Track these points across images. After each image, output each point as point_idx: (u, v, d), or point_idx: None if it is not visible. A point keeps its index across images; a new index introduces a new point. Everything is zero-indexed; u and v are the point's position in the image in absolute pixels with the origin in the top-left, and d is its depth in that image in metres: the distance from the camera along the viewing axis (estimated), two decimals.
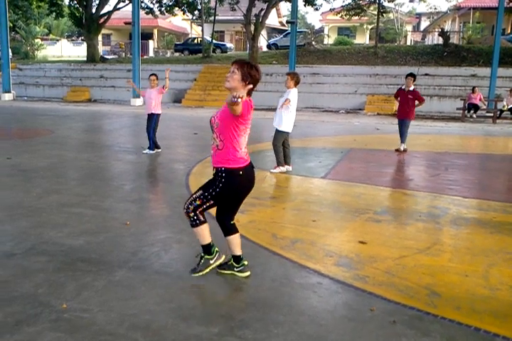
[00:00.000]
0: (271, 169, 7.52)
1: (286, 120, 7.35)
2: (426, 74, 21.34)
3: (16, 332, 2.77)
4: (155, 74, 9.18)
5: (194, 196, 3.53)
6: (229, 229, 3.64)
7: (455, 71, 21.84)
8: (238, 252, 3.67)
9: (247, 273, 3.67)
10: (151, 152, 9.12)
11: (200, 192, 3.52)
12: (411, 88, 9.67)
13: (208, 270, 3.66)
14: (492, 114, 17.30)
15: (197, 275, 3.62)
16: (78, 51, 41.54)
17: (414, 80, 9.67)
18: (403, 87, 9.86)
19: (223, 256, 3.75)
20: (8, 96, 24.17)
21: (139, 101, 22.21)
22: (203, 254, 3.69)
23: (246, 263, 3.69)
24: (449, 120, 17.16)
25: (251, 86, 3.30)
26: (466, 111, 17.44)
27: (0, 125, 14.22)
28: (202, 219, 3.57)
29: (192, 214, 3.53)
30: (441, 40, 28.38)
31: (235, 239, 3.66)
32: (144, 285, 3.43)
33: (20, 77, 27.48)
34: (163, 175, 7.62)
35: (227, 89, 3.44)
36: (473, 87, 17.69)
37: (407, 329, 2.93)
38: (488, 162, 9.54)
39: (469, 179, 7.64)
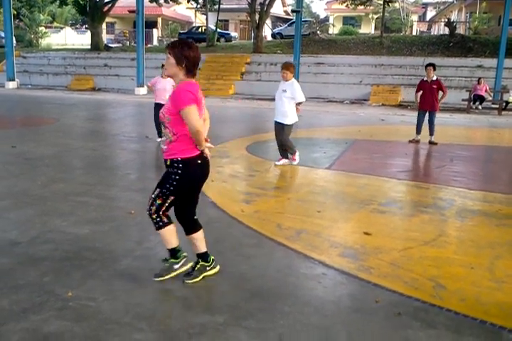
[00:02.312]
0: (275, 161, 7.39)
1: (291, 113, 7.17)
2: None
3: (22, 320, 2.78)
4: None
5: (153, 196, 3.28)
6: (193, 225, 3.40)
7: (461, 62, 21.66)
8: (205, 248, 3.44)
9: (217, 269, 3.49)
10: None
11: (158, 190, 3.27)
12: (434, 78, 9.62)
13: (171, 275, 3.38)
14: (498, 106, 17.16)
15: (158, 280, 3.35)
16: (82, 39, 41.38)
17: (434, 69, 9.61)
18: (425, 79, 9.81)
19: (190, 263, 3.46)
20: (12, 85, 24.13)
21: (143, 90, 22.13)
22: (168, 258, 3.45)
23: (213, 257, 3.49)
24: (455, 111, 17.05)
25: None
26: (471, 103, 17.31)
27: (4, 113, 14.21)
28: (165, 220, 3.31)
29: (155, 216, 3.29)
30: (447, 31, 28.17)
31: (200, 235, 3.41)
32: (149, 275, 3.43)
33: (24, 65, 27.40)
34: None
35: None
36: (479, 78, 17.54)
37: (413, 321, 2.93)
38: (493, 154, 9.50)
39: (475, 171, 7.61)
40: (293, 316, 2.96)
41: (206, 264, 3.45)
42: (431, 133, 9.71)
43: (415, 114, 10.32)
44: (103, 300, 3.06)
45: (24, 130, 10.72)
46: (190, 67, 3.15)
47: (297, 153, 7.39)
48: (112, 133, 10.63)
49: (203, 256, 3.44)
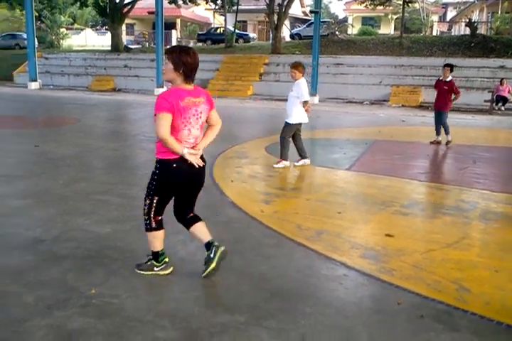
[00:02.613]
0: (295, 162, 7.35)
1: (296, 112, 7.05)
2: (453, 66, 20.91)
3: (47, 316, 2.82)
4: None
5: (144, 196, 3.35)
6: (189, 221, 3.45)
7: (483, 62, 21.36)
8: (209, 237, 3.43)
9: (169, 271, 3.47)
10: None
11: (146, 190, 3.33)
12: (447, 79, 9.50)
13: (149, 273, 3.41)
14: None
15: (138, 272, 3.42)
16: (102, 40, 41.86)
17: (451, 71, 9.49)
18: (441, 78, 9.71)
19: (171, 268, 3.46)
20: (34, 85, 24.50)
21: (162, 91, 22.29)
22: (151, 257, 3.45)
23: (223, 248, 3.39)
24: (477, 112, 16.82)
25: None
26: (494, 104, 17.06)
27: (27, 114, 14.43)
28: (154, 225, 3.33)
29: (146, 218, 3.34)
30: (468, 31, 27.78)
31: (200, 227, 3.45)
32: (170, 273, 3.45)
33: (46, 66, 27.80)
34: None
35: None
36: (502, 79, 17.28)
37: (436, 324, 2.89)
38: None
39: (498, 173, 7.49)
40: (314, 317, 2.94)
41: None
42: (445, 133, 9.60)
43: None
44: (126, 297, 3.08)
45: (46, 130, 10.87)
46: (188, 73, 3.16)
47: (285, 163, 7.18)
48: (132, 134, 10.72)
49: (208, 245, 3.40)
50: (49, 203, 5.11)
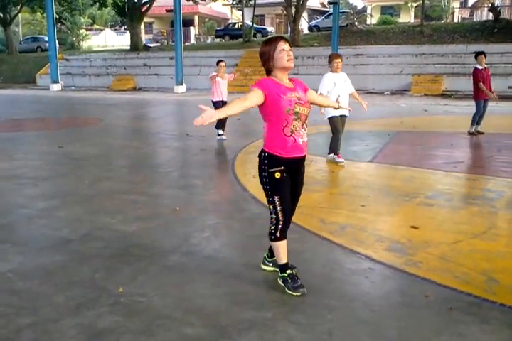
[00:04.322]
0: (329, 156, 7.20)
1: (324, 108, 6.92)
2: (474, 53, 20.50)
3: (77, 315, 2.87)
4: (224, 60, 9.20)
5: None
6: None
7: (506, 48, 20.87)
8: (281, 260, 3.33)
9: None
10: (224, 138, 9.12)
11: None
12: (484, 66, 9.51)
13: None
14: None
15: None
16: (122, 40, 42.26)
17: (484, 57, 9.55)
18: (479, 67, 9.65)
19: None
20: (56, 87, 24.91)
21: (181, 89, 22.41)
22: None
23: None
24: (501, 99, 16.45)
25: None
26: None
27: (51, 115, 14.68)
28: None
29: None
30: (491, 16, 27.17)
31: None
32: (196, 270, 3.48)
33: (67, 67, 28.24)
34: (209, 161, 7.68)
35: (289, 69, 3.15)
36: None
37: (465, 316, 2.86)
38: None
39: None
40: (341, 311, 2.94)
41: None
42: (479, 122, 9.46)
43: (459, 103, 10.06)
44: (153, 295, 3.12)
45: (70, 131, 11.04)
46: None
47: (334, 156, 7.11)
48: (153, 132, 10.82)
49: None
50: (75, 203, 5.20)
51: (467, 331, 2.72)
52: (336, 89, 6.72)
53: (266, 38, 32.91)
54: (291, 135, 3.06)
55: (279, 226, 3.18)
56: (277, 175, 3.11)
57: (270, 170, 3.12)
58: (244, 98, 3.01)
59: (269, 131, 3.12)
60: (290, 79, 3.20)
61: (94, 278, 3.38)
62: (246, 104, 3.01)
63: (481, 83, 9.41)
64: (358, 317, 2.88)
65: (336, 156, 7.05)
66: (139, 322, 2.80)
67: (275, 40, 3.15)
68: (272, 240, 3.23)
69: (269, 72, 3.19)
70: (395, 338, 2.67)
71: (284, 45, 3.11)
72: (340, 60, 6.84)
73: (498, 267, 3.51)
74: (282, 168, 3.11)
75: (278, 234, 3.20)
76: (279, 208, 3.16)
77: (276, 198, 3.15)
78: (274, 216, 3.19)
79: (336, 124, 6.94)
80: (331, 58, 6.89)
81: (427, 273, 3.43)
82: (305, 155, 3.22)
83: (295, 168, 3.20)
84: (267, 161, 3.14)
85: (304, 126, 3.14)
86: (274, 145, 3.11)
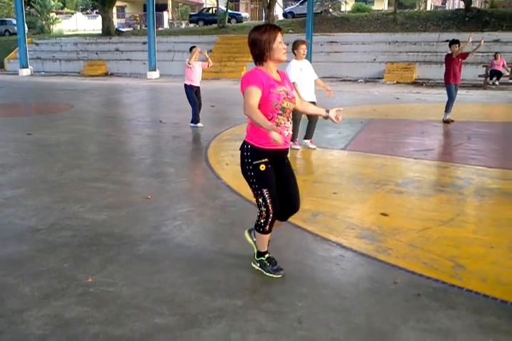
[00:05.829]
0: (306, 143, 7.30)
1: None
2: (446, 41, 20.72)
3: (44, 306, 2.82)
4: (197, 47, 9.12)
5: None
6: None
7: (477, 36, 20.97)
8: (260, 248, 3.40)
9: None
10: (199, 125, 9.08)
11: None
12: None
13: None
14: None
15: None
16: (93, 24, 41.29)
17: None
18: (451, 53, 9.78)
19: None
20: (25, 72, 24.27)
21: (155, 74, 22.10)
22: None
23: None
24: (471, 88, 16.72)
25: None
26: (488, 78, 16.97)
27: (19, 100, 14.31)
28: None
29: None
30: (462, 5, 27.47)
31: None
32: (167, 259, 3.46)
33: (37, 52, 27.51)
34: (182, 148, 7.61)
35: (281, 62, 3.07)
36: (496, 53, 17.15)
37: (432, 302, 2.91)
38: None
39: (493, 148, 7.48)
40: (312, 298, 2.95)
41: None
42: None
43: (430, 91, 10.18)
44: (123, 284, 3.08)
45: (39, 117, 10.79)
46: None
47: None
48: (126, 118, 10.65)
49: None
50: (44, 191, 5.09)
51: (434, 317, 2.77)
52: (302, 76, 6.72)
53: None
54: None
55: (269, 220, 3.11)
56: (262, 167, 3.05)
57: (254, 162, 3.06)
58: (253, 105, 2.88)
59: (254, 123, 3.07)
60: (277, 72, 3.12)
61: (62, 267, 3.32)
62: (257, 107, 2.92)
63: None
64: (329, 304, 2.90)
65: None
66: (107, 312, 2.77)
67: (274, 30, 2.98)
68: (259, 232, 3.20)
69: (258, 61, 3.04)
70: (364, 325, 2.70)
71: (281, 37, 3.01)
72: (306, 46, 6.83)
73: (465, 253, 3.58)
74: (266, 159, 3.05)
75: (267, 228, 3.15)
76: (268, 200, 3.07)
77: (264, 191, 3.07)
78: (263, 209, 3.10)
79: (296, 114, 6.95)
80: (296, 45, 6.79)
81: (396, 259, 3.47)
82: (288, 148, 3.18)
83: (279, 160, 3.15)
84: (250, 153, 3.08)
85: (290, 119, 3.10)
86: (257, 136, 3.05)
